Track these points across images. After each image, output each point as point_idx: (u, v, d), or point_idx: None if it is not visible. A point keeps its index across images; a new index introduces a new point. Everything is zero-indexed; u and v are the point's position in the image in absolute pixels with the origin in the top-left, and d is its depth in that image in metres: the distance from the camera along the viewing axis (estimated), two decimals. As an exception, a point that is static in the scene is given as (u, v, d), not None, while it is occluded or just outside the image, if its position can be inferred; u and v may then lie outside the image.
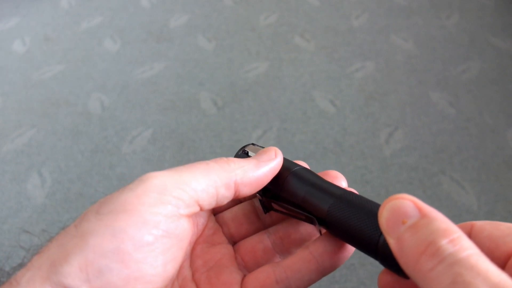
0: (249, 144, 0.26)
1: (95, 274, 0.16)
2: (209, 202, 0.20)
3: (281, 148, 0.24)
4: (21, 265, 0.18)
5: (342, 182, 0.24)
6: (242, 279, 0.22)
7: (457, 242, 0.14)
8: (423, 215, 0.16)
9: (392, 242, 0.16)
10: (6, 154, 0.82)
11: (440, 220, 0.15)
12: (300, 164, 0.25)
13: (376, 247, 0.19)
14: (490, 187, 0.74)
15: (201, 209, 0.20)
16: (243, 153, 0.25)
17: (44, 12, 1.22)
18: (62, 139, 0.85)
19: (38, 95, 0.95)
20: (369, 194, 0.73)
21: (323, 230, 0.23)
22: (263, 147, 0.25)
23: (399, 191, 0.74)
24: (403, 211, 0.16)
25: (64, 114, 0.90)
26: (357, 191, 0.22)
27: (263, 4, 1.24)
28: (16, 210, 0.73)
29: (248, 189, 0.22)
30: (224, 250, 0.24)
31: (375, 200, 0.21)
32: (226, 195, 0.21)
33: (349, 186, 0.24)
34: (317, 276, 0.22)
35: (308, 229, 0.24)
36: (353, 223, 0.20)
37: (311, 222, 0.22)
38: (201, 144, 0.83)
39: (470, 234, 0.18)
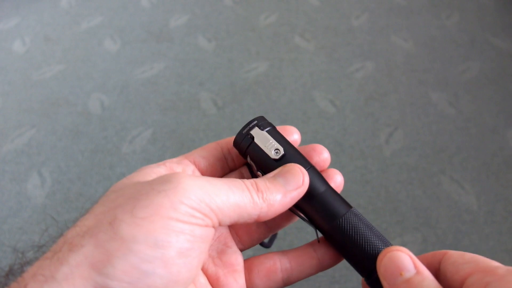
0: (254, 125, 0.24)
1: (139, 277, 0.17)
2: (228, 223, 0.21)
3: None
4: (39, 247, 0.17)
5: (324, 153, 0.26)
6: (245, 261, 0.24)
7: None
8: (417, 271, 0.19)
9: (387, 287, 0.19)
10: (6, 154, 0.82)
11: (430, 279, 0.19)
12: (309, 161, 0.25)
13: (366, 278, 0.21)
14: (490, 187, 0.74)
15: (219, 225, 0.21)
16: (248, 137, 0.24)
17: (44, 12, 1.22)
18: (62, 139, 0.85)
19: (38, 95, 0.95)
20: (369, 194, 0.73)
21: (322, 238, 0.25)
22: (271, 129, 0.24)
23: (399, 191, 0.74)
24: (401, 264, 0.19)
25: (64, 114, 0.90)
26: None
27: (263, 4, 1.24)
28: (16, 210, 0.73)
29: (269, 218, 0.22)
30: (221, 227, 0.25)
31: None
32: (245, 222, 0.22)
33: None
34: (315, 271, 0.24)
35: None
36: (349, 252, 0.22)
37: (312, 227, 0.24)
38: (201, 144, 0.83)
39: (441, 260, 0.21)
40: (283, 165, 0.23)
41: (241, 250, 0.25)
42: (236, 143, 0.25)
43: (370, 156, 0.80)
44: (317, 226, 0.23)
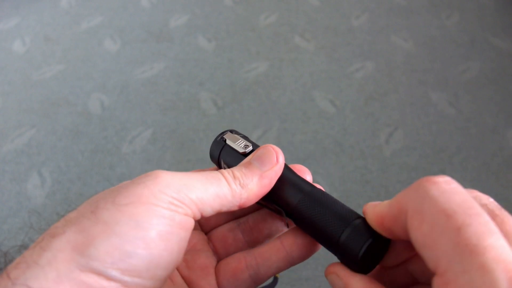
0: (226, 131, 0.26)
1: (122, 258, 0.17)
2: (210, 213, 0.21)
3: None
4: (22, 246, 0.18)
5: (306, 176, 0.25)
6: (216, 264, 0.24)
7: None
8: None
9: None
10: (6, 154, 0.83)
11: None
12: None
13: (337, 244, 0.20)
14: (490, 187, 0.74)
15: (202, 216, 0.21)
16: (221, 140, 0.25)
17: (44, 12, 1.22)
18: (62, 139, 0.85)
19: (38, 95, 0.95)
20: (369, 194, 0.73)
21: (291, 224, 0.24)
22: (243, 136, 0.25)
23: (399, 191, 0.74)
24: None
25: (64, 114, 0.90)
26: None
27: (263, 4, 1.24)
28: (16, 210, 0.73)
29: (252, 202, 0.23)
30: (198, 235, 0.25)
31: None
32: (228, 210, 0.22)
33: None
34: (285, 265, 0.23)
35: (276, 221, 0.25)
36: (318, 220, 0.21)
37: (279, 213, 0.23)
38: (201, 144, 0.83)
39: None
40: (257, 148, 0.24)
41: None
42: (211, 151, 0.26)
43: (370, 156, 0.80)
44: (284, 210, 0.23)
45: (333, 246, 0.21)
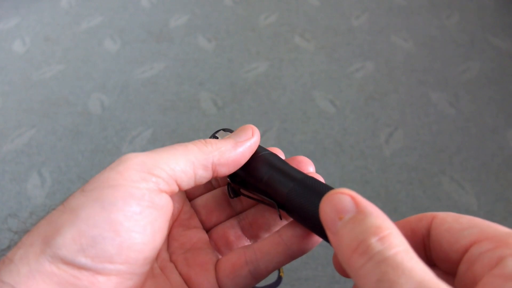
0: (219, 130, 0.26)
1: (89, 244, 0.17)
2: (187, 182, 0.21)
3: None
4: (9, 247, 0.18)
5: (309, 167, 0.24)
6: (217, 261, 0.24)
7: (386, 240, 0.15)
8: (358, 210, 0.16)
9: (330, 237, 0.17)
10: (6, 154, 0.82)
11: (374, 216, 0.16)
12: (271, 151, 0.25)
13: None
14: (490, 187, 0.74)
15: (180, 189, 0.21)
16: (214, 138, 0.25)
17: (44, 12, 1.22)
18: (62, 139, 0.85)
19: (38, 95, 0.95)
20: (369, 194, 0.73)
21: (285, 216, 0.24)
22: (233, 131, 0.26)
23: (399, 191, 0.74)
24: (341, 207, 0.16)
25: (64, 114, 0.90)
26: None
27: (263, 4, 1.24)
28: (16, 210, 0.73)
29: (226, 169, 0.22)
30: (199, 234, 0.25)
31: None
32: (204, 176, 0.22)
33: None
34: (285, 258, 0.22)
35: (273, 214, 0.25)
36: (310, 208, 0.20)
37: (272, 206, 0.23)
38: (201, 144, 0.83)
39: (431, 226, 0.18)
40: None
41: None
42: None
43: (370, 156, 0.80)
44: (276, 201, 0.23)
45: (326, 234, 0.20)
